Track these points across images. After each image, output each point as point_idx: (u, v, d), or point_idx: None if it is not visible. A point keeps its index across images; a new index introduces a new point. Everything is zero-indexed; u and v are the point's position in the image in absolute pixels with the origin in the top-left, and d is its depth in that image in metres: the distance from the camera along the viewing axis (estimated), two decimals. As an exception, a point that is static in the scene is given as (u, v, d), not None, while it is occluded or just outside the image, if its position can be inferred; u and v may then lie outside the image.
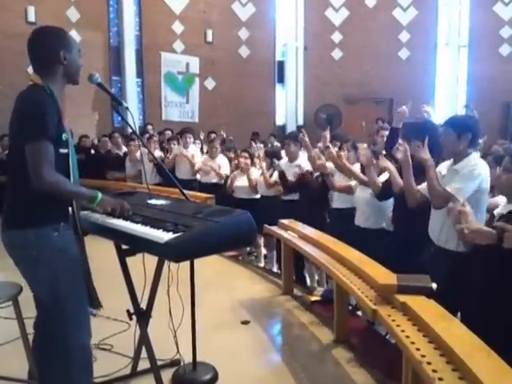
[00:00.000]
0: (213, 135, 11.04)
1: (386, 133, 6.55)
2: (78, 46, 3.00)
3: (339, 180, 5.79)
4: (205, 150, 9.74)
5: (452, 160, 3.85)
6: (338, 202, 5.88)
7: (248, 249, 7.68)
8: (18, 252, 2.84)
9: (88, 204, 2.99)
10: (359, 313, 5.23)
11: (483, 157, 4.57)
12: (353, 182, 5.49)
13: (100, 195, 2.94)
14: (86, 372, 3.02)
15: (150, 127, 12.08)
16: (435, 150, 4.04)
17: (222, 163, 8.51)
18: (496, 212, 3.32)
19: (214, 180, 8.48)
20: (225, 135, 11.37)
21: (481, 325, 2.93)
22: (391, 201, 4.87)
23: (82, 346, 2.93)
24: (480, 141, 6.76)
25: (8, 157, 2.93)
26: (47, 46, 2.87)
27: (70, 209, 2.94)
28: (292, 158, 6.77)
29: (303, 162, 6.56)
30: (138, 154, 9.13)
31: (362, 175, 5.22)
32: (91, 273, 3.06)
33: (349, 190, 5.57)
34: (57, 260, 2.80)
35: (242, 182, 7.63)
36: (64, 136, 2.81)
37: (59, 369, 2.90)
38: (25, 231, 2.77)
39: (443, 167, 3.94)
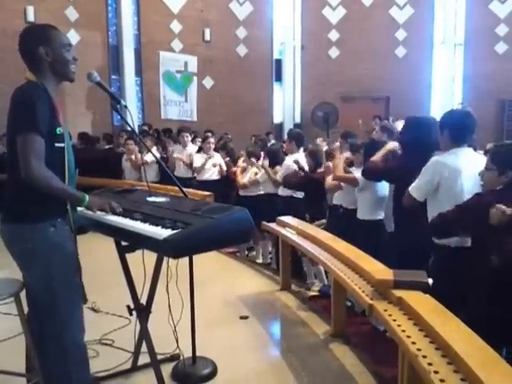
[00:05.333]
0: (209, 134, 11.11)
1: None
2: (64, 40, 2.96)
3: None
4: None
5: None
6: (337, 198, 5.88)
7: (247, 244, 7.72)
8: (15, 246, 2.87)
9: (74, 204, 2.99)
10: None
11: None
12: (357, 174, 5.22)
13: (87, 198, 2.95)
14: (83, 366, 3.03)
15: (146, 127, 12.10)
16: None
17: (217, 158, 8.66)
18: None
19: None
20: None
21: (476, 319, 2.97)
22: (386, 192, 5.00)
23: (75, 341, 2.95)
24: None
25: (6, 153, 2.94)
26: (27, 44, 2.89)
27: (66, 205, 2.97)
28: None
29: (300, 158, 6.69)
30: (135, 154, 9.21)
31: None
32: (81, 268, 3.09)
33: (354, 182, 5.26)
34: (52, 255, 2.83)
35: (244, 178, 7.69)
36: (58, 130, 2.82)
37: (55, 364, 2.93)
38: (22, 226, 2.80)
39: None
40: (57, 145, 2.83)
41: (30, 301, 3.04)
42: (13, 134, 2.76)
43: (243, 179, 7.56)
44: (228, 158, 8.75)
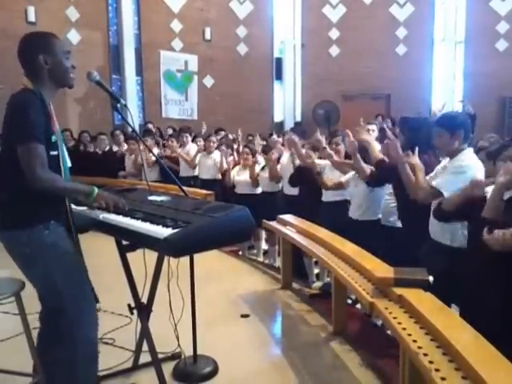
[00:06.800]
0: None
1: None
2: (64, 47, 2.99)
3: (333, 175, 5.87)
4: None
5: (448, 158, 3.89)
6: (327, 194, 5.94)
7: (248, 243, 7.73)
8: (14, 250, 2.91)
9: (84, 199, 3.04)
10: (359, 306, 5.27)
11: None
12: (343, 178, 5.57)
13: (96, 190, 2.98)
14: (92, 364, 3.07)
15: (150, 125, 12.11)
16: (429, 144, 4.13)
17: (219, 157, 8.60)
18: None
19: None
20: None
21: (478, 319, 2.96)
22: (383, 192, 5.01)
23: (87, 339, 2.99)
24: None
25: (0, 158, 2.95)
26: (26, 52, 2.91)
27: (63, 207, 3.00)
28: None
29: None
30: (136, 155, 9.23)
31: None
32: (87, 268, 3.11)
33: (340, 186, 5.62)
34: (48, 255, 2.87)
35: (242, 176, 7.70)
36: (53, 138, 2.85)
37: (63, 364, 2.94)
38: (17, 231, 2.83)
39: (443, 162, 3.98)
40: (51, 153, 2.86)
41: (41, 302, 3.07)
42: (9, 141, 2.77)
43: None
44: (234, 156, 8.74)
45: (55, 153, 2.89)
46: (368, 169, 4.89)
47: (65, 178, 2.96)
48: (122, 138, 10.42)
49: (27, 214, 2.84)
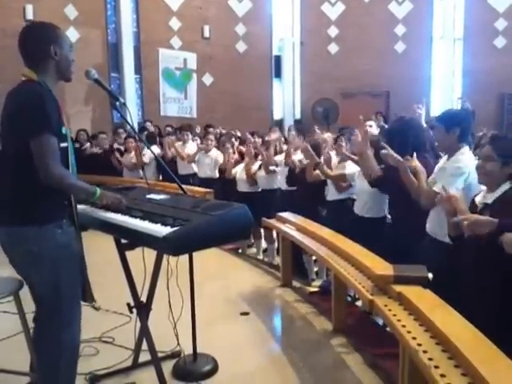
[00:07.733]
0: (210, 129, 11.07)
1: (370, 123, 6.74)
2: (69, 41, 2.98)
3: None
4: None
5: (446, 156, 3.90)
6: (332, 194, 5.91)
7: (248, 241, 7.72)
8: (17, 249, 2.84)
9: (87, 198, 3.03)
10: (358, 303, 5.27)
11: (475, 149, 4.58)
12: (346, 171, 5.55)
13: (99, 191, 2.97)
14: (74, 367, 3.02)
15: (148, 124, 12.10)
16: (418, 146, 4.12)
17: (217, 155, 8.57)
18: (477, 201, 3.27)
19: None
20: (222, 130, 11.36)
21: (476, 315, 2.95)
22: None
23: (73, 342, 2.96)
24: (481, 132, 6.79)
25: (3, 153, 2.88)
26: (37, 41, 2.86)
27: (70, 205, 2.97)
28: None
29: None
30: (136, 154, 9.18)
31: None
32: (87, 267, 3.10)
33: (342, 178, 5.59)
34: (60, 256, 2.82)
35: (243, 175, 7.69)
36: (64, 130, 2.83)
37: (48, 364, 2.93)
38: (26, 228, 2.77)
39: (441, 161, 3.98)
40: (62, 145, 2.82)
41: (35, 302, 3.04)
42: (20, 134, 2.72)
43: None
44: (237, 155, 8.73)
45: (65, 144, 2.87)
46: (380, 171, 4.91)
47: (71, 170, 2.93)
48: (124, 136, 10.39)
49: (39, 211, 2.79)
